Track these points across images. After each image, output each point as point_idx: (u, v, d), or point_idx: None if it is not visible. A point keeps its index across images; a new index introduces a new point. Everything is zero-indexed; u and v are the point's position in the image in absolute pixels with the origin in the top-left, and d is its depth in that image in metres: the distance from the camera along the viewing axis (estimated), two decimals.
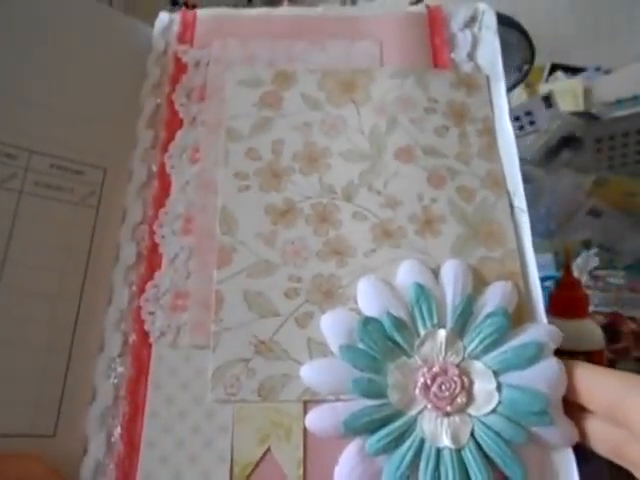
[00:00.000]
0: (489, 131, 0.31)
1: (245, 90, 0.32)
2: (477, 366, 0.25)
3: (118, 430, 0.25)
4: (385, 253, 0.28)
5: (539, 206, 0.64)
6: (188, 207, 0.29)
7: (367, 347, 0.25)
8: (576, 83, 0.84)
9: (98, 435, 0.25)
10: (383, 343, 0.25)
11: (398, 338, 0.26)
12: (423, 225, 0.29)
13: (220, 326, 0.27)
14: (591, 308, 0.50)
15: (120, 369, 0.26)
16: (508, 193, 0.30)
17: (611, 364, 0.44)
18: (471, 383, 0.25)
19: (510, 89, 0.57)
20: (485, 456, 0.24)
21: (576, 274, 0.52)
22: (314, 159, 0.30)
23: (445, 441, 0.24)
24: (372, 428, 0.25)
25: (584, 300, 0.40)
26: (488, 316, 0.26)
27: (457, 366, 0.25)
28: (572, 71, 0.90)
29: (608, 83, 0.83)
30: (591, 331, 0.39)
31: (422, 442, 0.24)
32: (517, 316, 0.27)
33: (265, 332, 0.26)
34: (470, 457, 0.24)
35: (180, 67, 0.33)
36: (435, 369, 0.25)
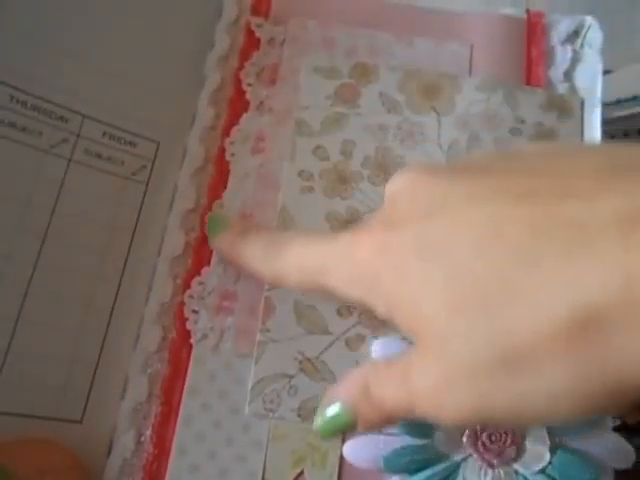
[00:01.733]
0: None
1: (320, 79, 0.29)
2: None
3: (149, 431, 0.24)
4: None
5: None
6: (245, 201, 0.27)
7: None
8: None
9: (127, 432, 0.24)
10: None
11: None
12: None
13: (266, 336, 0.25)
14: None
15: (157, 365, 0.25)
16: None
17: None
18: (523, 438, 0.24)
19: None
20: None
21: None
22: (385, 168, 0.28)
23: None
24: (413, 468, 0.24)
25: None
26: None
27: None
28: None
29: (608, 83, 0.82)
30: None
31: None
32: None
33: (312, 349, 0.25)
34: None
35: (252, 41, 0.30)
36: None
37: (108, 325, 0.26)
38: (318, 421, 0.20)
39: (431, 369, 0.16)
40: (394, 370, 0.18)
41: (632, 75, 0.78)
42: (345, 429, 0.20)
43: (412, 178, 0.18)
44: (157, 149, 0.29)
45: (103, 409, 0.25)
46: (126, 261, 0.27)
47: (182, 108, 0.29)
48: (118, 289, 0.27)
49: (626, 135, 0.73)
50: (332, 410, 0.20)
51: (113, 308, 0.26)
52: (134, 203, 0.28)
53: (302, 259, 0.21)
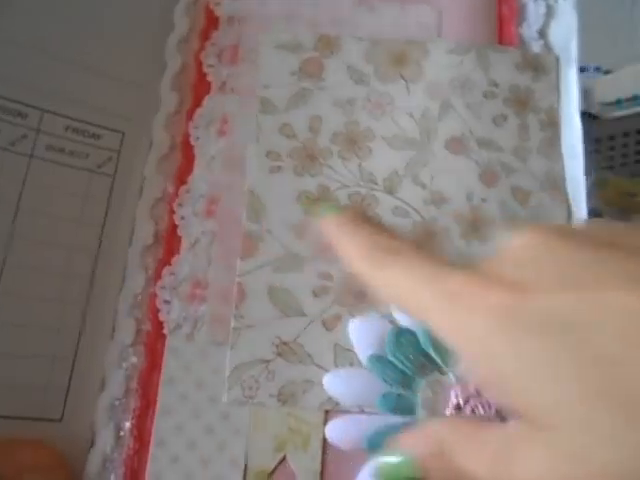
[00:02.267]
0: (553, 124, 0.28)
1: (283, 55, 0.28)
2: None
3: (128, 424, 0.24)
4: None
5: None
6: (212, 186, 0.26)
7: (398, 361, 0.23)
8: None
9: (107, 427, 0.24)
10: (415, 357, 0.23)
11: (432, 353, 0.23)
12: (469, 228, 0.26)
13: (241, 322, 0.25)
14: None
15: (132, 359, 0.25)
16: (567, 199, 0.27)
17: None
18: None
19: None
20: None
21: None
22: (355, 142, 0.27)
23: None
24: None
25: None
26: None
27: None
28: None
29: (608, 83, 0.81)
30: None
31: None
32: None
33: (289, 333, 0.25)
34: None
35: (211, 21, 0.29)
36: (469, 389, 0.23)
37: (83, 321, 0.26)
38: (383, 467, 0.18)
39: (546, 462, 0.14)
40: (483, 440, 0.16)
41: (632, 75, 0.76)
42: None
43: (545, 239, 0.16)
44: (122, 139, 0.28)
45: (82, 406, 0.25)
46: (97, 255, 0.27)
47: (146, 96, 0.28)
48: (91, 284, 0.26)
49: (626, 135, 0.72)
50: (396, 460, 0.18)
51: (87, 304, 0.26)
52: (102, 196, 0.27)
53: (403, 287, 0.18)
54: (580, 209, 0.26)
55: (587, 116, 0.74)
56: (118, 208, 0.27)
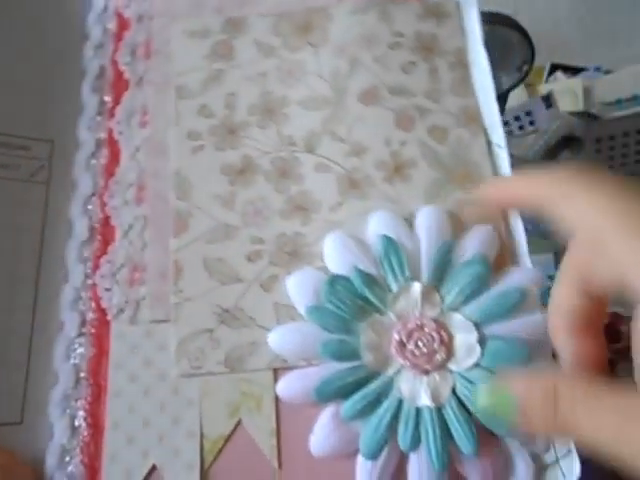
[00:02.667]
0: (461, 63, 0.28)
1: (193, 42, 0.29)
2: (456, 318, 0.24)
3: (81, 413, 0.24)
4: (352, 206, 0.26)
5: None
6: (140, 174, 0.27)
7: (335, 307, 0.23)
8: (576, 83, 0.82)
9: (61, 420, 0.24)
10: (352, 302, 0.24)
11: (369, 295, 0.24)
12: (392, 172, 0.26)
13: (180, 297, 0.25)
14: None
15: (79, 350, 0.25)
16: (484, 130, 0.27)
17: (611, 364, 0.44)
18: (451, 337, 0.23)
19: (510, 89, 0.57)
20: (469, 413, 0.22)
21: None
22: (271, 110, 0.28)
23: (425, 400, 0.22)
24: (346, 392, 0.23)
25: None
26: (466, 264, 0.24)
27: (435, 320, 0.24)
28: (572, 71, 0.89)
29: (608, 83, 0.83)
30: None
31: (400, 403, 0.23)
32: (500, 261, 0.25)
33: (228, 300, 0.25)
34: (451, 414, 0.22)
35: (122, 23, 0.30)
36: (411, 325, 0.23)
37: (33, 323, 0.26)
38: (484, 400, 0.18)
39: None
40: (607, 399, 0.16)
41: (632, 75, 0.78)
42: (505, 420, 0.18)
43: None
44: (52, 148, 0.29)
45: (41, 406, 0.25)
46: (40, 259, 0.27)
47: (70, 102, 0.30)
48: (36, 286, 0.27)
49: (626, 135, 0.73)
50: (502, 399, 0.18)
51: (35, 305, 0.26)
52: (38, 204, 0.28)
53: None
54: (498, 137, 0.27)
55: (587, 116, 0.76)
56: (56, 212, 0.28)
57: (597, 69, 0.88)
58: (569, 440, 0.17)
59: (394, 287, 0.24)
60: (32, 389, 0.25)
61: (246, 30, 0.29)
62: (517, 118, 0.75)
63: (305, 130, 0.27)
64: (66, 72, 0.30)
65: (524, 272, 0.24)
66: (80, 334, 0.25)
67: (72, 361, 0.25)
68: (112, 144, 0.28)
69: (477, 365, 0.23)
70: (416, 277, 0.24)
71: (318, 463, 0.23)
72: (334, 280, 0.24)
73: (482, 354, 0.23)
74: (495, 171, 0.26)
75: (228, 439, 0.23)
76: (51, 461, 0.23)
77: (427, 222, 0.25)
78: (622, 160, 0.73)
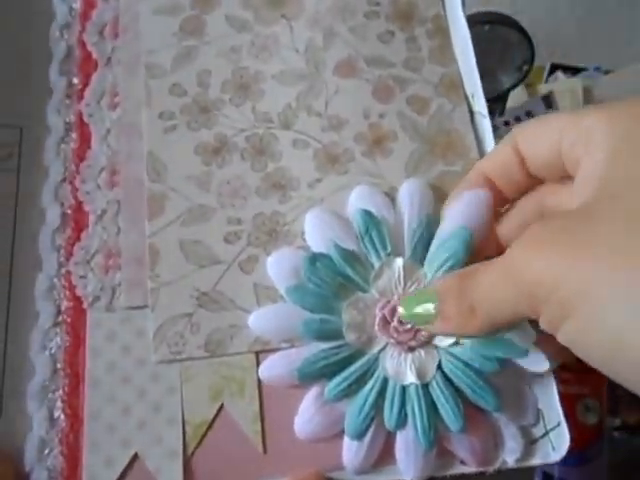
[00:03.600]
0: (441, 31, 0.27)
1: (162, 19, 0.28)
2: None
3: (60, 404, 0.23)
4: (331, 182, 0.25)
5: None
6: (112, 157, 0.26)
7: (315, 286, 0.23)
8: (576, 83, 0.82)
9: (39, 411, 0.23)
10: (333, 280, 0.23)
11: (350, 272, 0.23)
12: (372, 145, 0.26)
13: (157, 282, 0.24)
14: None
15: (56, 340, 0.24)
16: (466, 98, 0.26)
17: None
18: None
19: (510, 89, 0.57)
20: (455, 389, 0.22)
21: None
22: (245, 86, 0.27)
23: (410, 377, 0.22)
24: (330, 373, 0.22)
25: None
26: (448, 237, 0.23)
27: None
28: (572, 71, 0.88)
29: (608, 83, 0.82)
30: None
31: (385, 381, 0.22)
32: (486, 232, 0.24)
33: (207, 283, 0.24)
34: (438, 391, 0.22)
35: (89, 1, 0.29)
36: (394, 302, 0.23)
37: (8, 314, 0.25)
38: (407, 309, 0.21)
39: None
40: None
41: (632, 75, 0.77)
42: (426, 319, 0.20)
43: None
44: (21, 134, 0.28)
45: (20, 398, 0.24)
46: (13, 248, 0.26)
47: (38, 87, 0.28)
48: (10, 277, 0.26)
49: None
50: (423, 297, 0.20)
51: (9, 296, 0.26)
52: (8, 192, 0.27)
53: None
54: (481, 106, 0.26)
55: None
56: (28, 200, 0.27)
57: (597, 69, 0.88)
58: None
59: (376, 263, 0.23)
60: (10, 382, 0.25)
61: (217, 4, 0.28)
62: (517, 118, 0.74)
63: (281, 106, 0.26)
64: (34, 55, 0.29)
65: None
66: (56, 324, 0.24)
67: (48, 352, 0.24)
68: (82, 127, 0.27)
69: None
70: (399, 253, 0.23)
71: (304, 447, 0.22)
72: (314, 258, 0.23)
73: None
74: (478, 141, 0.26)
75: (211, 425, 0.23)
76: (30, 454, 0.23)
77: (409, 195, 0.24)
78: None
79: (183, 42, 0.28)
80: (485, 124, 0.26)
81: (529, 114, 0.74)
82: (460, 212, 0.23)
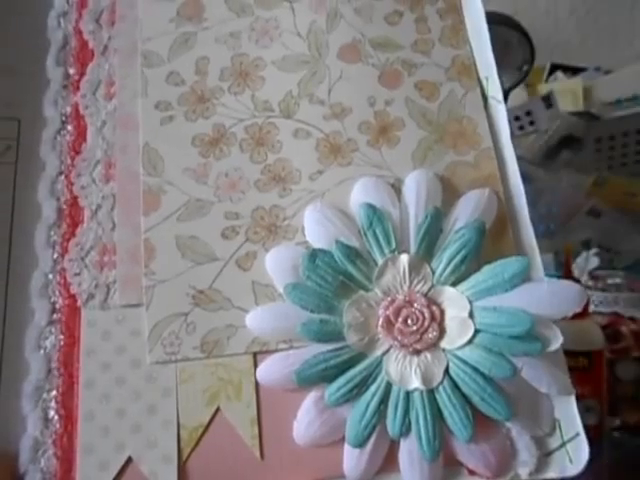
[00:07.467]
0: (453, 9, 0.26)
1: (159, 5, 0.27)
2: (448, 292, 0.21)
3: (54, 404, 0.23)
4: (334, 174, 0.24)
5: (539, 206, 0.63)
6: (107, 150, 0.25)
7: (315, 284, 0.22)
8: (576, 83, 0.82)
9: (33, 412, 0.23)
10: (334, 278, 0.22)
11: (352, 270, 0.22)
12: (377, 134, 0.24)
13: (152, 279, 0.23)
14: (591, 308, 0.50)
15: (51, 339, 0.24)
16: (480, 82, 0.24)
17: (611, 364, 0.44)
18: (442, 313, 0.21)
19: (510, 89, 0.56)
20: (463, 395, 0.20)
21: (576, 274, 0.53)
22: (245, 74, 0.25)
23: (415, 382, 0.21)
24: (330, 376, 0.21)
25: None
26: (457, 232, 0.22)
27: (425, 295, 0.21)
28: (572, 71, 0.88)
29: (608, 83, 0.83)
30: (591, 331, 0.40)
31: (389, 386, 0.21)
32: (499, 227, 0.22)
33: (203, 280, 0.23)
34: (445, 397, 0.20)
35: None
36: (399, 301, 0.21)
37: (4, 311, 0.25)
38: None
39: None
40: None
41: (632, 75, 0.76)
42: None
43: None
44: (19, 126, 0.27)
45: (15, 401, 0.24)
46: (10, 243, 0.26)
47: (36, 79, 0.28)
48: (8, 272, 0.25)
49: (626, 135, 0.71)
50: None
51: (6, 293, 0.25)
52: (6, 185, 0.26)
53: None
54: (495, 90, 0.24)
55: (587, 116, 0.75)
56: (26, 194, 0.26)
57: (597, 69, 0.87)
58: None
59: (379, 260, 0.22)
60: (6, 382, 0.24)
61: None
62: (517, 118, 0.74)
63: (281, 93, 0.25)
64: (32, 46, 0.28)
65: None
66: (50, 322, 0.24)
67: (43, 351, 0.23)
68: (78, 119, 0.26)
69: (471, 342, 0.21)
70: (404, 249, 0.22)
71: (303, 454, 0.21)
72: (314, 255, 0.22)
73: (476, 330, 0.21)
74: (492, 129, 0.24)
75: (207, 428, 0.22)
76: (24, 455, 0.22)
77: (415, 188, 0.23)
78: (622, 160, 0.73)
79: (180, 28, 0.26)
80: (500, 110, 0.24)
81: (529, 114, 0.74)
82: (472, 206, 0.22)
